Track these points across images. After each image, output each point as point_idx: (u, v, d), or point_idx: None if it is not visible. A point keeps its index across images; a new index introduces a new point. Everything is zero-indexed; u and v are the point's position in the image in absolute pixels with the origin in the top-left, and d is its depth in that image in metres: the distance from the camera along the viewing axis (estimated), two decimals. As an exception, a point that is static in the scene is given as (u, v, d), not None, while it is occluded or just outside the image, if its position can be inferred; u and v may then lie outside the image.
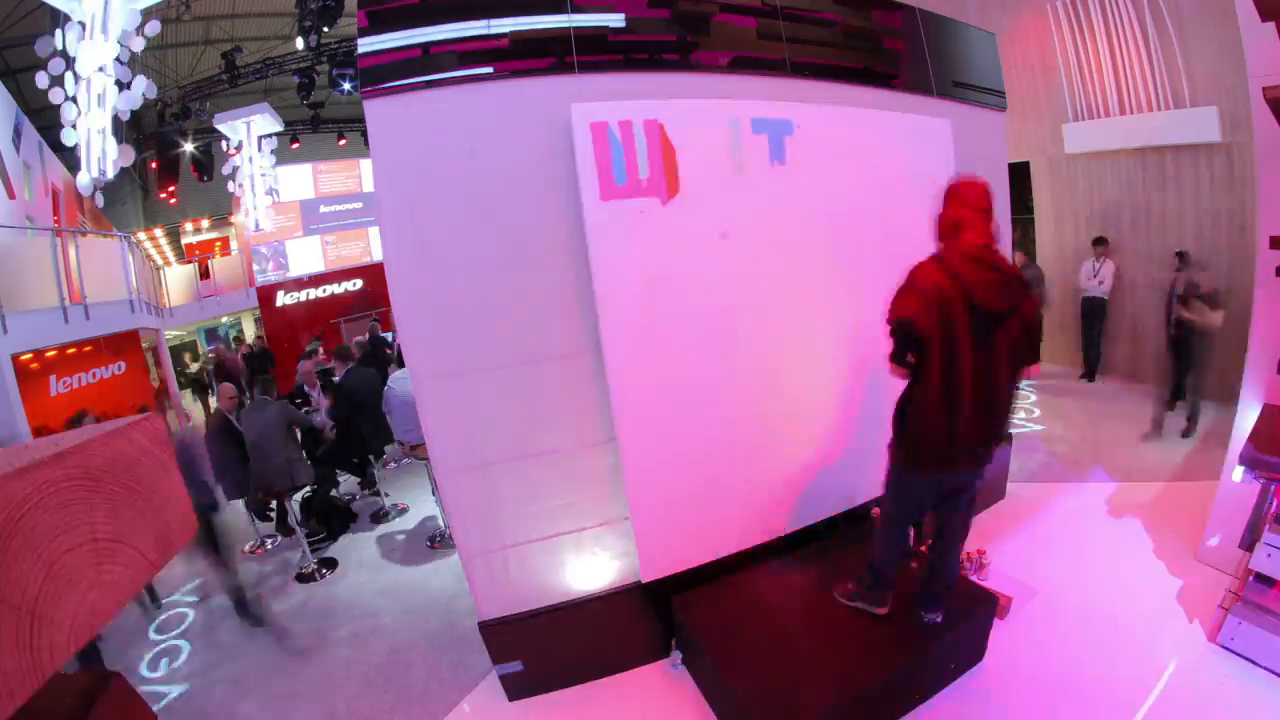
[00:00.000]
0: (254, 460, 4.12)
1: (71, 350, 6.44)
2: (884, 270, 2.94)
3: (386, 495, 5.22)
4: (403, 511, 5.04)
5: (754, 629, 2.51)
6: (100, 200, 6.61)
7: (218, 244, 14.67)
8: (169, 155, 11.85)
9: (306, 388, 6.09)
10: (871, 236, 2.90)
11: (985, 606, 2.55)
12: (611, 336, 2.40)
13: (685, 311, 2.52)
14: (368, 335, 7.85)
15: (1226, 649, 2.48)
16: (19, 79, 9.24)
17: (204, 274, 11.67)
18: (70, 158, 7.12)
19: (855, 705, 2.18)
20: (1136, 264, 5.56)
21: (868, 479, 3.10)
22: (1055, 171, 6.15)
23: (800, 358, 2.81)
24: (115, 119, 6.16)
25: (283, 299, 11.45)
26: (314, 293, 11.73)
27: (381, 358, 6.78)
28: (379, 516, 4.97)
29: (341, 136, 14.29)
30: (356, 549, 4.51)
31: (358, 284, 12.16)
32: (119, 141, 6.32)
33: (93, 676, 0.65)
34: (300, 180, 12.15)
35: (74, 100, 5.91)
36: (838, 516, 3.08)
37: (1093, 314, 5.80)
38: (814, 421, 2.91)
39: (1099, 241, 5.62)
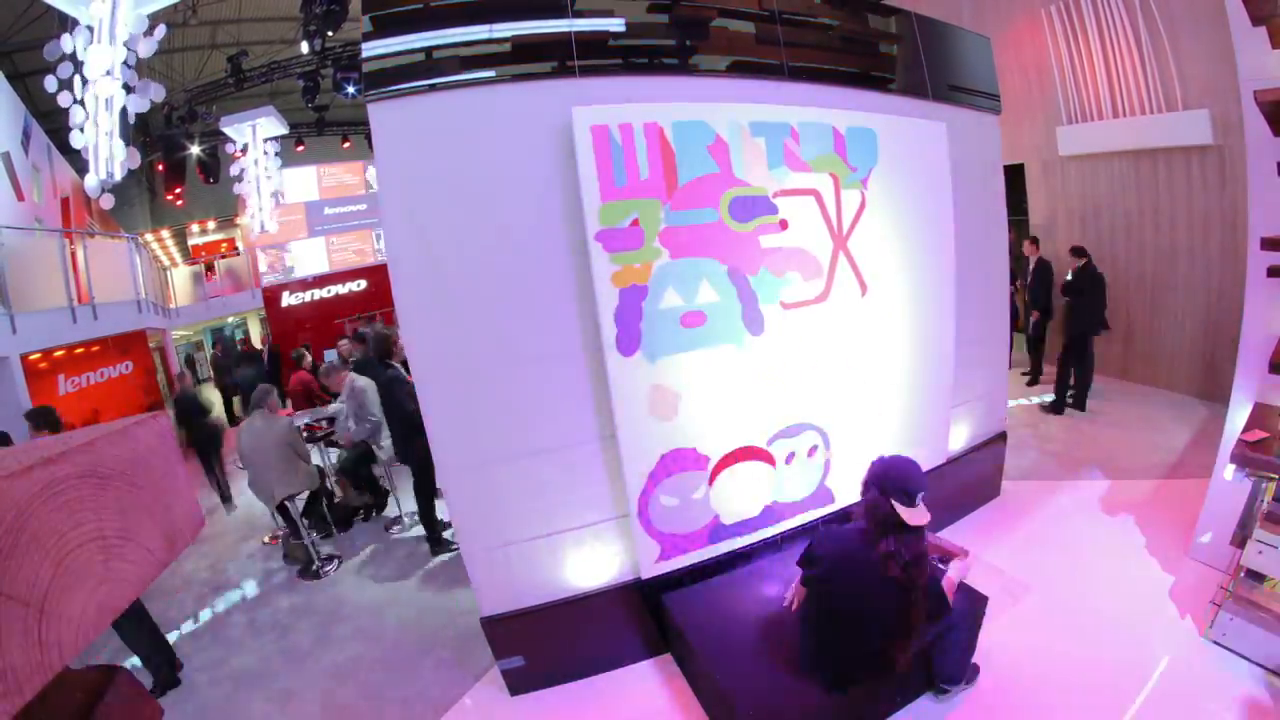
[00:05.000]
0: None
1: (79, 350, 6.50)
2: (882, 270, 3.01)
3: (394, 490, 5.01)
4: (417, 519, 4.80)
5: (746, 626, 2.54)
6: (109, 202, 6.68)
7: (224, 245, 14.76)
8: (175, 158, 11.94)
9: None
10: (869, 235, 2.95)
11: (974, 605, 2.57)
12: (613, 335, 2.45)
13: (686, 310, 2.56)
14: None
15: (1218, 645, 2.51)
16: (28, 82, 9.35)
17: (209, 273, 11.78)
18: (78, 160, 7.20)
19: (846, 703, 2.21)
20: (1130, 265, 5.59)
21: (855, 481, 3.14)
22: (1049, 173, 6.19)
23: (798, 356, 2.84)
24: (123, 122, 6.23)
25: (288, 299, 11.52)
26: (319, 293, 11.80)
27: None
28: (391, 525, 4.80)
29: (346, 139, 14.37)
30: (361, 546, 4.56)
31: (362, 284, 12.23)
32: (126, 144, 6.39)
33: (99, 672, 0.65)
34: (305, 182, 12.23)
35: (82, 103, 5.99)
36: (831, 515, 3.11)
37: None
38: (811, 420, 2.95)
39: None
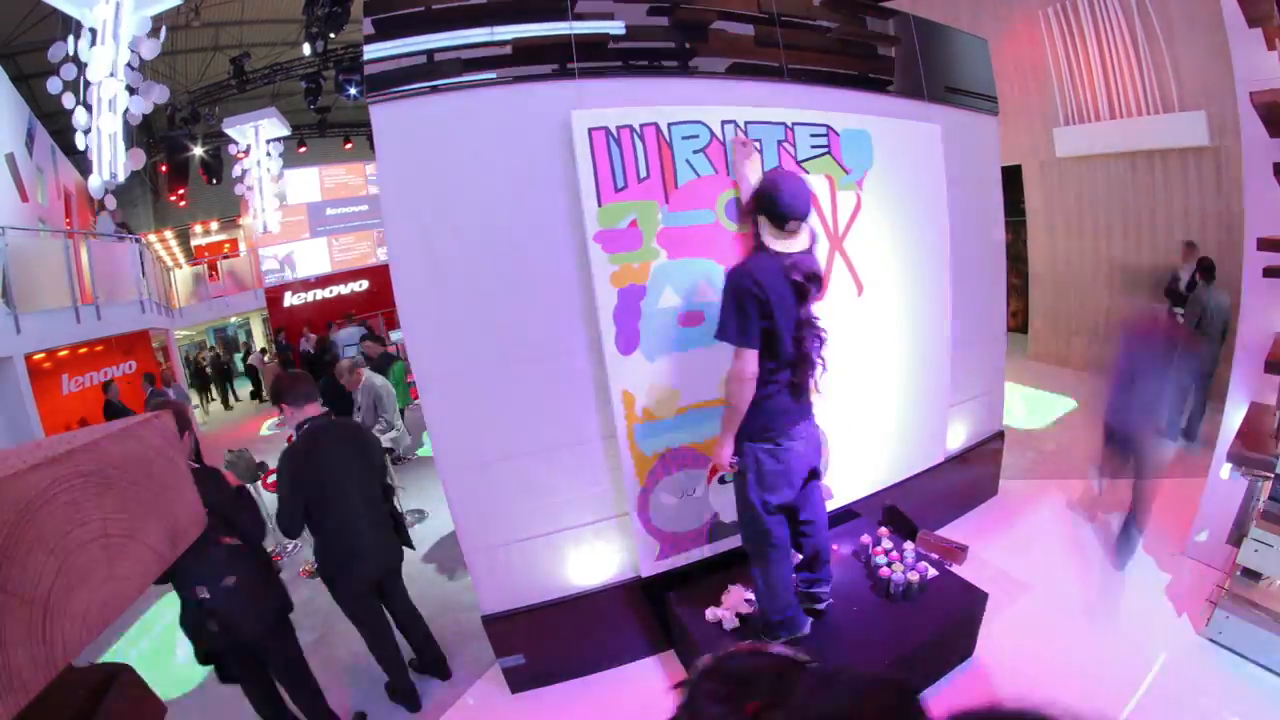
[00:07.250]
0: None
1: (83, 350, 6.54)
2: (878, 270, 3.03)
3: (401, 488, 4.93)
4: (421, 517, 4.83)
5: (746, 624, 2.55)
6: (112, 203, 6.72)
7: (226, 246, 14.82)
8: (178, 159, 12.02)
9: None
10: (865, 236, 2.97)
11: (974, 602, 2.59)
12: (612, 334, 2.46)
13: (684, 309, 2.58)
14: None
15: (1214, 643, 2.52)
16: (32, 84, 9.40)
17: (212, 274, 11.84)
18: (82, 161, 7.25)
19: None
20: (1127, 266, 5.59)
21: (853, 479, 3.16)
22: (1047, 174, 6.21)
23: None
24: (126, 123, 6.27)
25: (290, 299, 11.58)
26: (321, 293, 11.87)
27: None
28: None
29: (348, 140, 14.45)
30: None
31: (364, 285, 12.30)
32: (129, 145, 6.43)
33: (104, 669, 0.65)
34: (307, 183, 12.27)
35: (86, 105, 6.04)
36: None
37: None
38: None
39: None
